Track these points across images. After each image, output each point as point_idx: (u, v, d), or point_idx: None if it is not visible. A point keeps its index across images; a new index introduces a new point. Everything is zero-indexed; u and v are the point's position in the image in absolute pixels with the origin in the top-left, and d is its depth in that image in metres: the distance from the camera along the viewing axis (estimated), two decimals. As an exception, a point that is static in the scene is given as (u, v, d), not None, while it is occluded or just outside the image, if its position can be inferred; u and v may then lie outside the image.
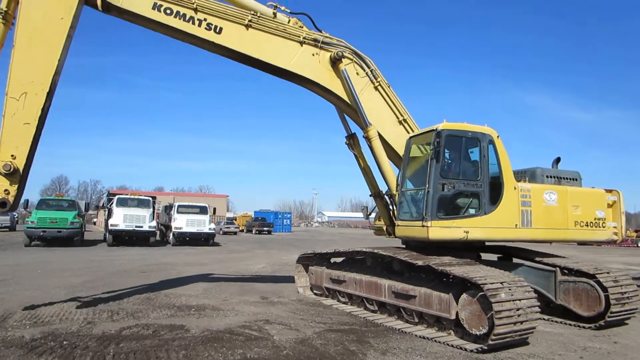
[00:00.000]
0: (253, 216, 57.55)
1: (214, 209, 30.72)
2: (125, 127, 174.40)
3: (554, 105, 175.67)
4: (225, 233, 43.69)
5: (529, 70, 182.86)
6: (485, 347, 5.59)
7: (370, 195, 9.25)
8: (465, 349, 5.74)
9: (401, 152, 8.55)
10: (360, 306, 8.24)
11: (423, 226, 6.98)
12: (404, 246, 8.46)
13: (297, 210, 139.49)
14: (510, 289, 5.77)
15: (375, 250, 7.82)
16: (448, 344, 5.97)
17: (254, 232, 48.99)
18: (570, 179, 8.51)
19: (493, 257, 8.59)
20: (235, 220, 55.30)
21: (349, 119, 9.26)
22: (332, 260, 9.79)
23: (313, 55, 8.31)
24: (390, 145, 8.76)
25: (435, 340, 6.15)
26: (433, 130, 7.18)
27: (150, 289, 9.78)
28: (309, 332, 6.46)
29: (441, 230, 6.97)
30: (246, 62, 8.19)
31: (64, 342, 5.52)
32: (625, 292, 7.06)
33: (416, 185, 7.80)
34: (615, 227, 8.39)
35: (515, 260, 8.46)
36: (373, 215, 9.81)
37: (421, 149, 8.03)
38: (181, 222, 25.67)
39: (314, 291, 9.75)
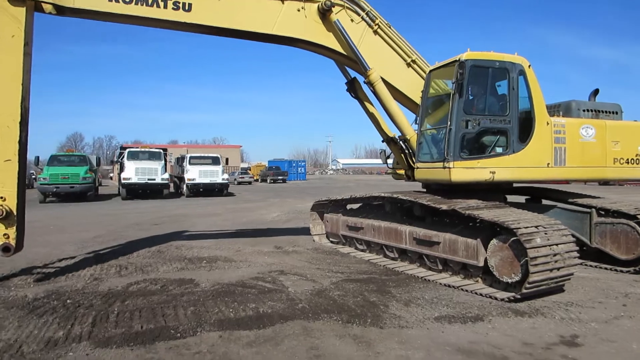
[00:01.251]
0: (267, 165, 57.38)
1: (227, 159, 30.45)
2: (139, 81, 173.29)
3: (575, 42, 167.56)
4: (239, 183, 43.70)
5: (548, 6, 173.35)
6: (518, 296, 5.14)
7: (383, 141, 8.61)
8: (496, 298, 5.31)
9: (415, 97, 7.87)
10: (379, 254, 7.85)
11: (444, 167, 6.39)
12: (424, 190, 7.92)
13: (312, 158, 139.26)
14: (546, 233, 5.23)
15: (395, 195, 7.29)
16: (476, 293, 5.54)
17: (268, 181, 48.96)
18: (609, 113, 7.72)
19: (520, 199, 8.01)
20: (250, 170, 55.14)
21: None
22: (348, 206, 9.35)
23: (298, 10, 7.28)
24: (401, 92, 7.98)
25: (462, 289, 5.72)
26: (456, 61, 6.41)
27: (161, 241, 9.53)
28: (325, 282, 6.09)
29: (465, 171, 6.38)
30: (226, 34, 7.25)
31: (67, 301, 5.23)
32: (668, 233, 6.49)
33: (437, 124, 7.14)
34: (658, 164, 7.67)
35: (545, 202, 7.88)
36: (391, 160, 9.25)
37: (443, 83, 7.30)
38: (194, 174, 25.42)
39: (330, 239, 9.39)
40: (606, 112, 7.72)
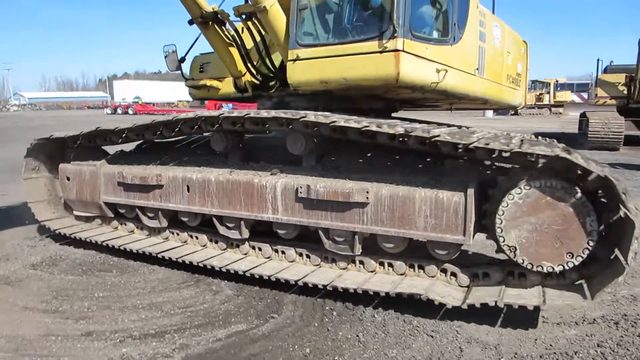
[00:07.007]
0: None
1: None
2: None
3: None
4: None
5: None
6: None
7: (192, 22, 4.56)
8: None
9: None
10: (196, 236, 4.08)
11: (384, 51, 3.17)
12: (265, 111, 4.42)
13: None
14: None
15: (299, 117, 3.34)
16: (519, 307, 2.69)
17: None
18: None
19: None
20: None
21: None
22: (115, 150, 4.97)
23: None
24: None
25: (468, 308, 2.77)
26: None
27: None
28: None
29: (415, 63, 3.33)
30: None
31: None
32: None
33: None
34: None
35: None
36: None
37: None
38: None
39: (76, 213, 4.86)
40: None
